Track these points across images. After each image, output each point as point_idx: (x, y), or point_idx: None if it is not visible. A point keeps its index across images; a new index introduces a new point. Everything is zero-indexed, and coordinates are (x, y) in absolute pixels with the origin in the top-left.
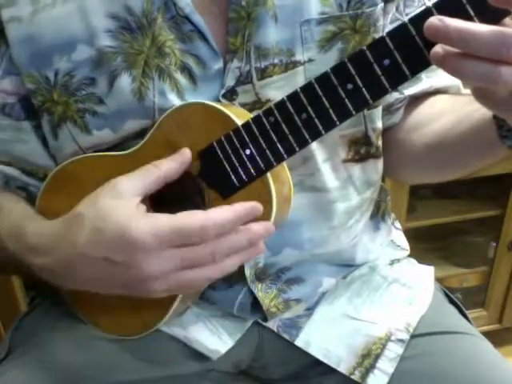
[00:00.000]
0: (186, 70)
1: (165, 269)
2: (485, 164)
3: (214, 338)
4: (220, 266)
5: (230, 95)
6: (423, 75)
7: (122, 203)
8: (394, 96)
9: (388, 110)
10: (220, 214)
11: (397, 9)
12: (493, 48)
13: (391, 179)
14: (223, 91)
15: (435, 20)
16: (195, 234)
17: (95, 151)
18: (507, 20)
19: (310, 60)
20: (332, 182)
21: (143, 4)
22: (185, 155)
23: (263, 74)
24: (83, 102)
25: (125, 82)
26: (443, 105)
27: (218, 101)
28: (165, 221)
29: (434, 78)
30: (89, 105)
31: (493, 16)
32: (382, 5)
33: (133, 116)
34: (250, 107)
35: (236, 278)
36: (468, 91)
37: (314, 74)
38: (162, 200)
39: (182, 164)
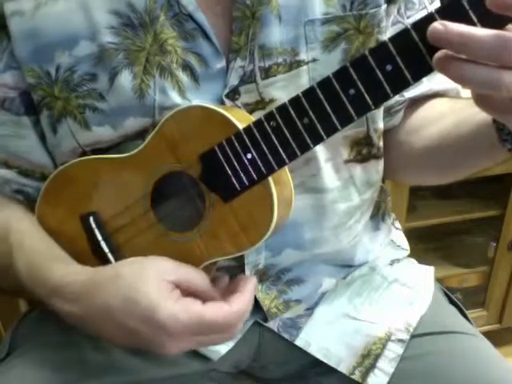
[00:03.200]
0: (187, 68)
1: (185, 348)
2: (485, 166)
3: None
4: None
5: (233, 95)
6: (424, 78)
7: (161, 279)
8: (394, 98)
9: (388, 112)
10: (243, 304)
11: (398, 11)
12: (495, 53)
13: (391, 181)
14: (227, 90)
15: (438, 25)
16: (220, 329)
17: (94, 150)
18: (510, 26)
19: (314, 60)
20: (333, 183)
21: (146, 1)
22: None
23: (267, 73)
24: (84, 98)
25: (125, 78)
26: (442, 108)
27: (221, 100)
28: (196, 313)
29: (434, 80)
30: (89, 101)
31: (496, 22)
32: (385, 6)
33: (133, 113)
34: (252, 107)
35: None
36: (467, 93)
37: (317, 74)
38: (162, 201)
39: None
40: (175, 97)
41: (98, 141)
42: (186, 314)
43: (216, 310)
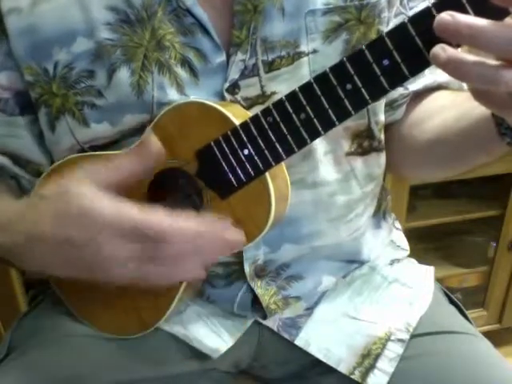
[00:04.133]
0: (186, 63)
1: (124, 255)
2: (485, 160)
3: (214, 336)
4: (184, 270)
5: (232, 89)
6: (426, 70)
7: (90, 186)
8: (398, 91)
9: (391, 106)
10: (185, 225)
11: (401, 2)
12: (503, 45)
13: (393, 175)
14: (227, 84)
15: (446, 16)
16: (152, 236)
17: (92, 147)
18: (507, 20)
19: (314, 51)
20: (332, 175)
21: None
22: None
23: (271, 66)
24: (82, 95)
25: (124, 75)
26: (444, 101)
27: (222, 94)
28: (128, 212)
29: (437, 72)
30: (88, 97)
31: (493, 16)
32: None
33: (131, 110)
34: (252, 101)
35: (236, 275)
36: None
37: (318, 66)
38: (159, 198)
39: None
40: (173, 93)
41: (97, 138)
42: (117, 210)
43: (149, 215)
